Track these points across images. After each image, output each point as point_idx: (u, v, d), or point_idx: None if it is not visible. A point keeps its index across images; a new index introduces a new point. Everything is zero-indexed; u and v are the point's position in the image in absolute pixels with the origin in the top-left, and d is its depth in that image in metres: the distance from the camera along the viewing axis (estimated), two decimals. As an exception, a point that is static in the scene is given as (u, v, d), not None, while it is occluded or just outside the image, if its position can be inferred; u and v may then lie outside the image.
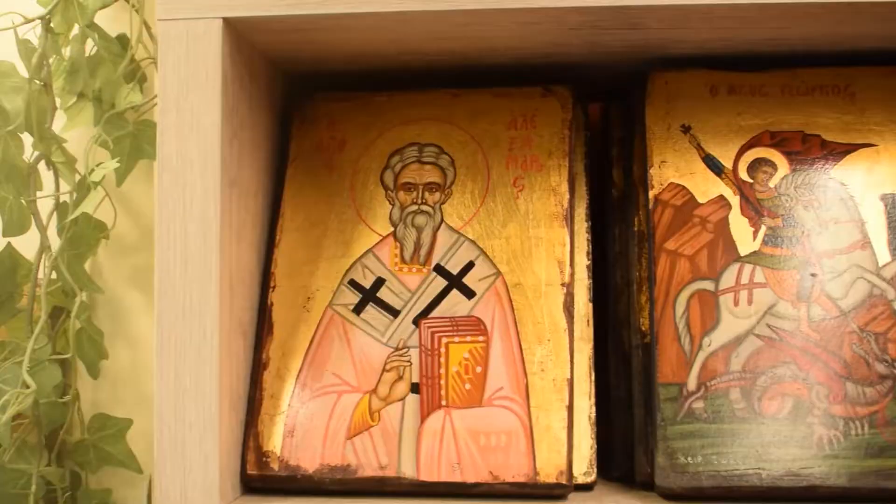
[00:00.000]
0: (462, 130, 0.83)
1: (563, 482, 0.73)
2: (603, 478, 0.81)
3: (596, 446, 0.78)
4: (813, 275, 0.76)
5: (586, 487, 0.77)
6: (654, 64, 0.84)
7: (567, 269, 0.78)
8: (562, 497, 0.74)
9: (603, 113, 0.90)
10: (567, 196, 0.80)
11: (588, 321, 0.80)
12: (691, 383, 0.74)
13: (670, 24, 0.76)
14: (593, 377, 0.79)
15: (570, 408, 0.75)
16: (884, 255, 0.76)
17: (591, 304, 0.81)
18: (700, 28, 0.77)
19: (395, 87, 0.87)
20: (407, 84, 0.88)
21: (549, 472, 0.73)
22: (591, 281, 0.81)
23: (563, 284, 0.78)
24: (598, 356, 0.81)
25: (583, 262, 0.82)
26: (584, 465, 0.77)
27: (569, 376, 0.75)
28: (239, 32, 0.76)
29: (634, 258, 0.81)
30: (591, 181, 0.87)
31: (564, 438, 0.74)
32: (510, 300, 0.78)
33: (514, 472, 0.73)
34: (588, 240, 0.82)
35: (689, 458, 0.72)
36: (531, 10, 0.73)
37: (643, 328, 0.78)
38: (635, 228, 0.82)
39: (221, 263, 0.73)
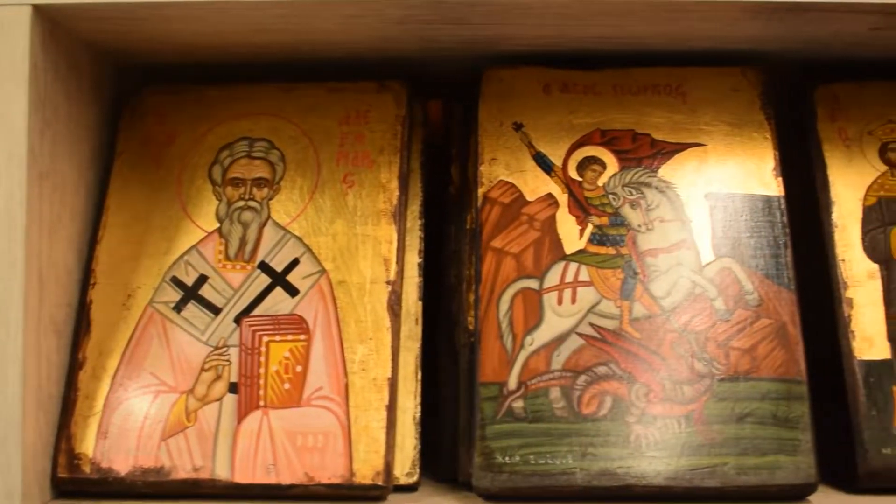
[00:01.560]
0: (293, 125, 0.82)
1: (380, 483, 0.71)
2: (434, 478, 0.79)
3: (420, 447, 0.76)
4: (636, 273, 0.75)
5: (410, 488, 0.76)
6: (494, 61, 0.83)
7: (393, 267, 0.77)
8: (380, 498, 0.73)
9: (444, 110, 0.88)
10: (397, 193, 0.79)
11: (417, 320, 0.79)
12: (512, 382, 0.73)
13: (494, 20, 0.75)
14: (420, 377, 0.78)
15: (391, 408, 0.73)
16: (707, 255, 0.76)
17: (420, 303, 0.79)
18: (525, 24, 0.76)
19: (232, 81, 0.85)
20: (244, 78, 0.86)
21: (366, 472, 0.72)
22: (421, 279, 0.80)
23: (388, 282, 0.76)
24: (437, 356, 0.80)
25: (414, 260, 0.80)
26: (406, 466, 0.75)
27: (390, 375, 0.74)
28: (53, 20, 0.73)
29: (466, 257, 0.80)
30: (433, 179, 0.86)
31: (383, 439, 0.72)
32: (334, 298, 0.76)
33: (329, 473, 0.72)
34: (421, 238, 0.81)
35: (507, 458, 0.71)
36: (351, 2, 0.72)
37: (470, 327, 0.77)
38: (468, 227, 0.81)
39: (28, 258, 0.70)
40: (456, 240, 0.83)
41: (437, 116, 0.89)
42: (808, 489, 0.71)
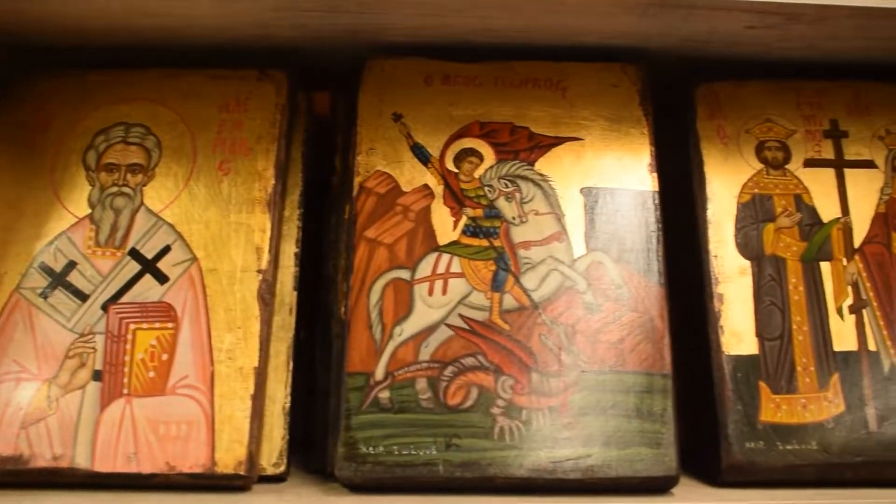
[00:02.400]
0: (172, 111, 0.81)
1: (242, 473, 0.71)
2: (307, 470, 0.79)
3: (299, 438, 0.76)
4: (508, 266, 0.75)
5: (277, 479, 0.75)
6: (380, 51, 0.82)
7: (265, 256, 0.76)
8: (243, 488, 0.72)
9: (331, 101, 0.88)
10: (273, 182, 0.78)
11: (291, 310, 0.78)
12: (379, 373, 0.73)
13: (371, 9, 0.75)
14: (291, 367, 0.77)
15: (257, 397, 0.73)
16: (579, 248, 0.76)
17: (295, 293, 0.79)
18: (404, 14, 0.76)
19: (118, 66, 0.84)
20: (129, 63, 0.84)
21: (228, 462, 0.71)
22: (297, 269, 0.79)
23: (259, 271, 0.76)
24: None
25: (291, 249, 0.80)
26: (274, 456, 0.75)
27: (257, 365, 0.73)
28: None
29: (343, 247, 0.79)
30: (322, 170, 0.85)
31: (247, 428, 0.72)
32: (204, 286, 0.75)
33: (191, 462, 0.71)
34: (299, 227, 0.81)
35: (371, 449, 0.71)
36: (223, -14, 0.71)
37: (343, 317, 0.77)
38: (346, 216, 0.80)
39: None
40: (336, 230, 0.82)
41: (324, 107, 0.89)
42: (670, 482, 0.72)
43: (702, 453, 0.77)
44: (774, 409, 0.75)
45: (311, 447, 0.79)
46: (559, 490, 0.71)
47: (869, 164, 0.83)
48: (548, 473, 0.71)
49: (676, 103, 0.86)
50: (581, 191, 0.78)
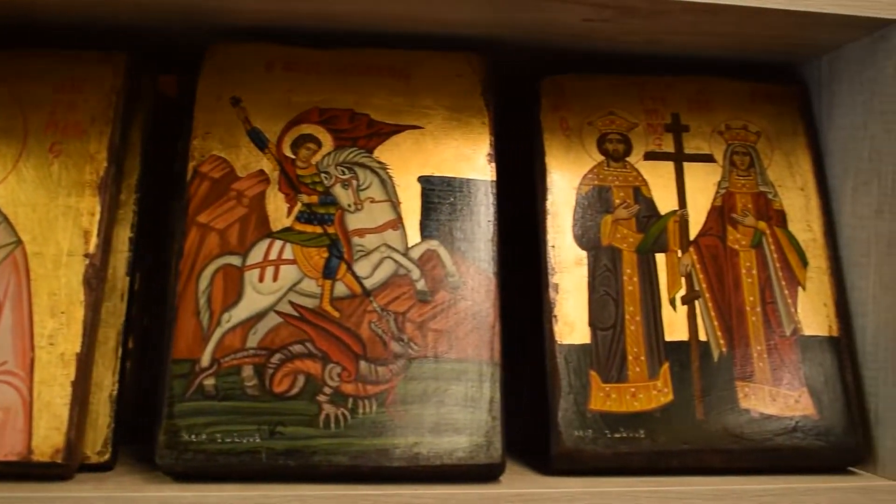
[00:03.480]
0: (6, 91, 0.79)
1: (60, 461, 0.69)
2: (140, 458, 0.77)
3: (115, 425, 0.74)
4: (341, 253, 0.75)
5: (103, 467, 0.74)
6: (226, 35, 0.81)
7: (93, 240, 0.74)
8: (62, 477, 0.71)
9: (178, 84, 0.86)
10: (105, 164, 0.77)
11: (122, 296, 0.77)
12: (205, 360, 0.72)
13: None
14: (121, 353, 0.76)
15: (78, 384, 0.71)
16: (414, 236, 0.76)
17: (128, 279, 0.77)
18: (243, -4, 0.75)
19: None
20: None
21: (45, 450, 0.69)
22: (131, 254, 0.78)
23: (86, 255, 0.74)
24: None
25: (125, 234, 0.79)
26: (98, 444, 0.73)
27: (79, 350, 0.72)
28: None
29: (179, 232, 0.78)
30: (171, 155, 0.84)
31: (66, 415, 0.70)
32: (28, 270, 0.73)
33: (7, 450, 0.69)
34: (135, 212, 0.79)
35: (193, 437, 0.70)
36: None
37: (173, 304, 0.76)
38: (183, 201, 0.79)
39: None
40: (175, 215, 0.81)
41: (172, 90, 0.87)
42: (495, 469, 0.72)
43: (536, 442, 0.77)
44: (604, 397, 0.76)
45: (145, 435, 0.78)
46: (384, 478, 0.71)
47: (708, 158, 0.84)
48: (373, 461, 0.71)
49: (525, 95, 0.86)
50: (419, 179, 0.78)
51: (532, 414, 0.79)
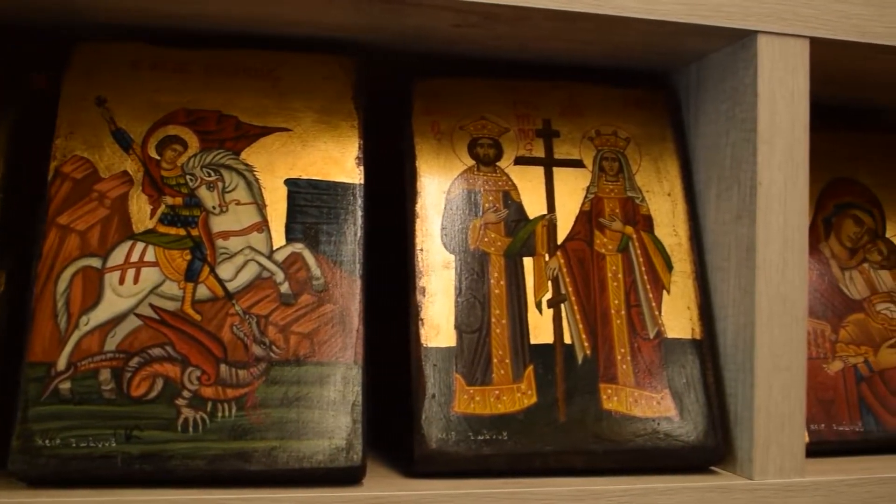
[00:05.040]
0: None
1: None
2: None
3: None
4: (204, 255, 0.74)
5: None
6: (96, 32, 0.80)
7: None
8: (-90, 483, 0.69)
9: (48, 83, 0.85)
10: (-37, 164, 0.75)
11: (-20, 298, 0.75)
12: (61, 363, 0.71)
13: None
14: (-25, 357, 0.74)
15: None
16: (279, 239, 0.76)
17: (-13, 280, 0.76)
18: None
19: None
20: None
21: None
22: (-11, 255, 0.76)
23: (-61, 257, 0.72)
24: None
25: (-15, 235, 0.76)
26: (-50, 450, 0.71)
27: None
28: None
29: (38, 234, 0.77)
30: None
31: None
32: None
33: None
34: (-5, 213, 0.77)
35: (48, 441, 0.69)
36: None
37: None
38: (44, 202, 0.77)
39: None
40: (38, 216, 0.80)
41: (46, 89, 0.86)
42: (357, 472, 0.72)
43: (402, 445, 0.78)
44: (468, 400, 0.77)
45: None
46: (243, 482, 0.71)
47: (577, 164, 0.86)
48: (231, 465, 0.71)
49: (399, 99, 0.86)
50: (286, 182, 0.78)
51: (398, 417, 0.79)
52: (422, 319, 0.78)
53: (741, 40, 0.81)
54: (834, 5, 0.81)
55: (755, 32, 0.79)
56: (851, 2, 0.82)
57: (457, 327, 0.78)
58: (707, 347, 0.82)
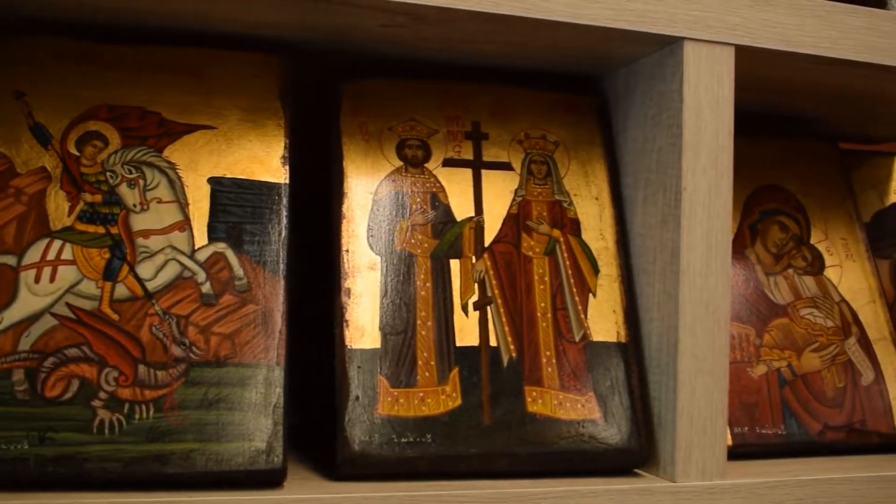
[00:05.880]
0: None
1: None
2: None
3: None
4: (124, 254, 0.73)
5: None
6: (17, 25, 0.78)
7: None
8: None
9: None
10: None
11: None
12: (-27, 363, 0.69)
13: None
14: None
15: None
16: (201, 238, 0.75)
17: None
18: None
19: None
20: None
21: None
22: None
23: None
24: None
25: None
26: None
27: None
28: None
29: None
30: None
31: None
32: None
33: None
34: None
35: (-44, 444, 0.67)
36: None
37: (-56, 304, 0.72)
38: (-39, 198, 0.75)
39: None
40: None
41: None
42: (277, 475, 0.71)
43: (326, 447, 0.77)
44: (392, 402, 0.76)
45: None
46: (160, 485, 0.70)
47: (506, 167, 0.86)
48: (148, 468, 0.69)
49: (328, 99, 0.85)
50: (209, 180, 0.77)
51: (323, 420, 0.79)
52: (346, 321, 0.77)
53: (668, 46, 0.81)
54: (760, 14, 0.82)
55: (682, 39, 0.79)
56: (777, 11, 0.82)
57: (382, 329, 0.78)
58: (632, 351, 0.83)
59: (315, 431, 0.84)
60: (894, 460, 0.92)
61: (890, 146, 1.24)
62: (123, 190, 0.75)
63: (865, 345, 0.97)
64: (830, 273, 0.99)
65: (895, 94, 0.98)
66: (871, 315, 0.99)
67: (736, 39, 0.81)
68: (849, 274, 1.00)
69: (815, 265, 0.99)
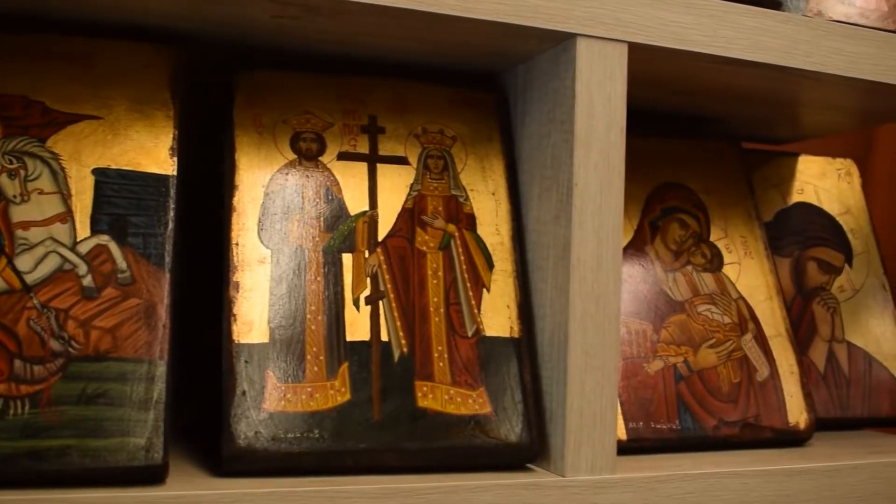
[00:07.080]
0: None
1: None
2: None
3: None
4: (2, 247, 0.71)
5: None
6: None
7: None
8: None
9: None
10: None
11: None
12: None
13: None
14: None
15: None
16: (84, 230, 0.73)
17: None
18: None
19: None
20: None
21: None
22: None
23: None
24: None
25: None
26: None
27: None
28: None
29: None
30: None
31: None
32: None
33: None
34: None
35: None
36: None
37: None
38: None
39: None
40: None
41: None
42: (158, 472, 0.70)
43: (213, 443, 0.76)
44: (279, 397, 0.75)
45: None
46: (36, 482, 0.69)
47: (402, 161, 0.85)
48: (23, 465, 0.68)
49: (217, 90, 0.84)
50: (93, 171, 0.75)
51: (211, 416, 0.78)
52: (234, 315, 0.76)
53: (562, 43, 0.82)
54: (654, 12, 0.82)
55: (574, 35, 0.80)
56: (671, 10, 0.83)
57: (270, 323, 0.77)
58: (525, 346, 0.83)
59: (204, 428, 0.83)
60: (785, 455, 0.94)
61: (793, 146, 1.26)
62: (3, 180, 0.74)
63: (762, 341, 0.98)
64: (729, 270, 1.00)
65: (793, 94, 1.00)
66: (768, 312, 1.00)
67: (629, 37, 0.81)
68: (747, 271, 1.01)
69: (714, 262, 1.00)
